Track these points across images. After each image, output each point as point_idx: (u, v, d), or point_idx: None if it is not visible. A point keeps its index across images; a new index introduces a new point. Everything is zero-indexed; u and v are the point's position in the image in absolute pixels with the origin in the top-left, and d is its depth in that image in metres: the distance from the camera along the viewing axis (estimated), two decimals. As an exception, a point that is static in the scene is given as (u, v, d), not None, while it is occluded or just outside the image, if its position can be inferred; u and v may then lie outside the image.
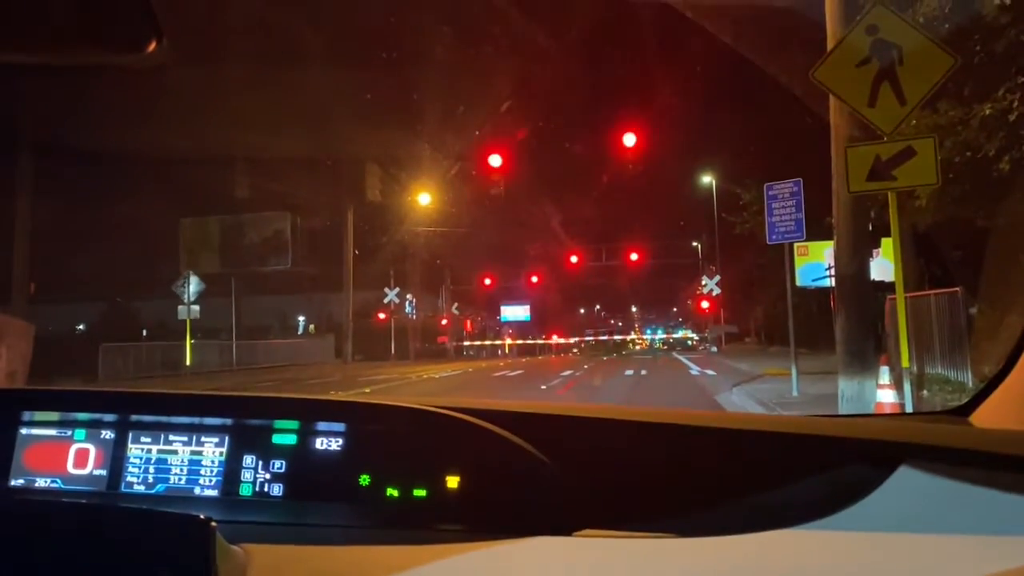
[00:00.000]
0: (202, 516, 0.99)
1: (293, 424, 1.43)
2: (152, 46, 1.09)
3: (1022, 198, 9.08)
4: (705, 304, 33.89)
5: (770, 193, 11.75)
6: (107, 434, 1.49)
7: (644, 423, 1.40)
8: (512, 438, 1.34)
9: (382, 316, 37.67)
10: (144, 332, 36.41)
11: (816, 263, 18.15)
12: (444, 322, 47.73)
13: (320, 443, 1.41)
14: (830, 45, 7.60)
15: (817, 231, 12.88)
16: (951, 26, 9.28)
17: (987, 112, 8.91)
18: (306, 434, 1.42)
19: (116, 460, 1.47)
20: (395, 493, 1.35)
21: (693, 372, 21.05)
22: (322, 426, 1.42)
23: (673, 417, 1.41)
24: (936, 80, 6.02)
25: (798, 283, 17.00)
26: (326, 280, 36.94)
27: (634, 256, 39.44)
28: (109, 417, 1.51)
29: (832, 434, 1.32)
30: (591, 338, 72.18)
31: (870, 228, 9.40)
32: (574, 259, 41.00)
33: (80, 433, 1.50)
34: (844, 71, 6.25)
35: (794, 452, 1.31)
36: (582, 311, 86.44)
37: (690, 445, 1.37)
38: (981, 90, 9.15)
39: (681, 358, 32.71)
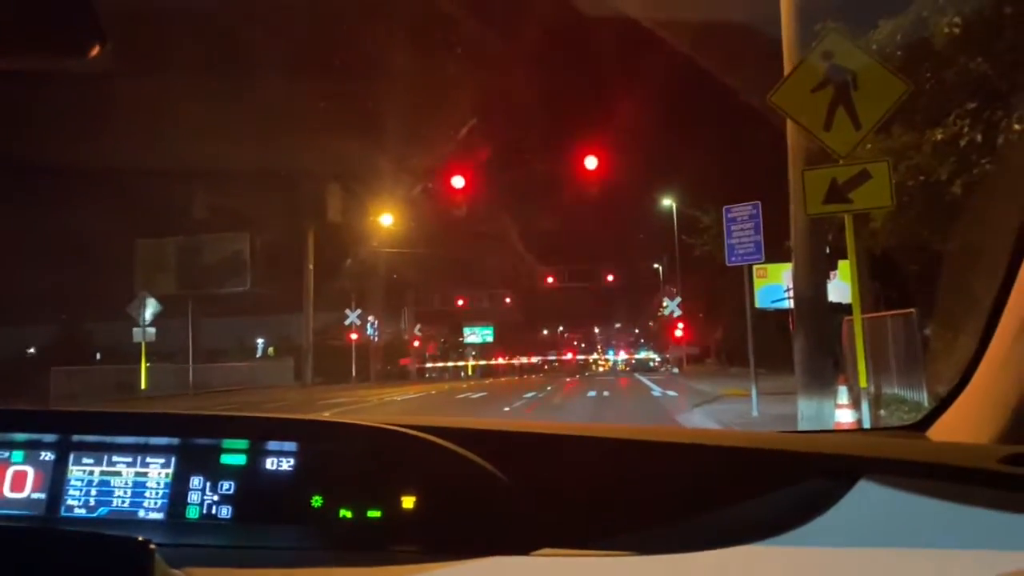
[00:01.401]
0: (140, 538, 0.94)
1: (242, 444, 1.39)
2: (95, 50, 1.05)
3: (973, 221, 9.30)
4: (676, 331, 34.11)
5: (729, 216, 11.89)
6: (47, 455, 1.43)
7: (602, 439, 1.38)
8: (468, 455, 1.31)
9: (354, 337, 37.19)
10: (97, 355, 35.57)
11: (775, 285, 18.45)
12: (416, 343, 47.43)
13: (270, 463, 1.37)
14: (786, 68, 7.76)
15: (777, 253, 13.06)
16: (903, 54, 9.53)
17: (939, 137, 9.14)
18: (256, 454, 1.38)
19: (56, 483, 1.41)
20: (349, 514, 1.31)
21: (655, 393, 21.15)
22: (272, 446, 1.38)
23: (632, 433, 1.39)
24: (890, 105, 6.18)
25: (757, 305, 17.23)
26: (285, 301, 36.54)
27: (608, 278, 39.79)
28: (49, 438, 1.45)
29: (792, 449, 1.31)
30: (554, 358, 72.38)
31: (827, 250, 9.55)
32: (550, 280, 41.25)
33: (18, 455, 1.44)
34: (801, 95, 6.38)
35: (754, 467, 1.30)
36: (545, 331, 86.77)
37: (649, 461, 1.35)
38: (933, 116, 9.39)
39: (643, 379, 32.86)
